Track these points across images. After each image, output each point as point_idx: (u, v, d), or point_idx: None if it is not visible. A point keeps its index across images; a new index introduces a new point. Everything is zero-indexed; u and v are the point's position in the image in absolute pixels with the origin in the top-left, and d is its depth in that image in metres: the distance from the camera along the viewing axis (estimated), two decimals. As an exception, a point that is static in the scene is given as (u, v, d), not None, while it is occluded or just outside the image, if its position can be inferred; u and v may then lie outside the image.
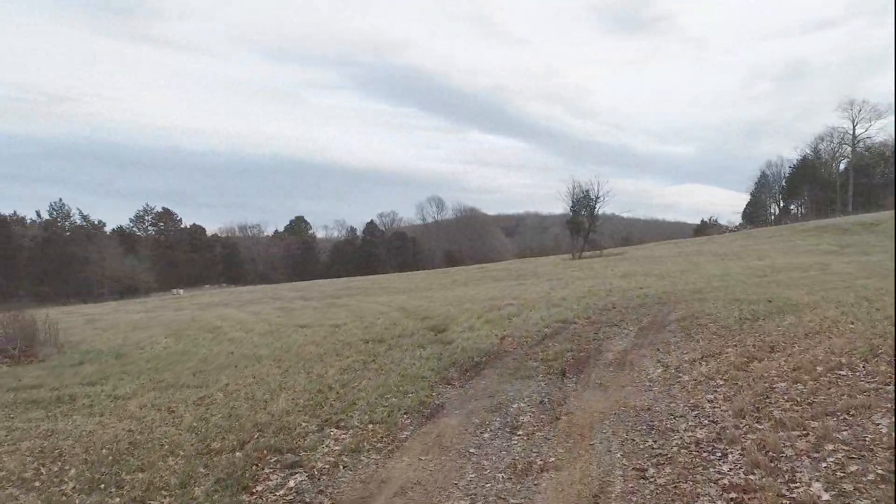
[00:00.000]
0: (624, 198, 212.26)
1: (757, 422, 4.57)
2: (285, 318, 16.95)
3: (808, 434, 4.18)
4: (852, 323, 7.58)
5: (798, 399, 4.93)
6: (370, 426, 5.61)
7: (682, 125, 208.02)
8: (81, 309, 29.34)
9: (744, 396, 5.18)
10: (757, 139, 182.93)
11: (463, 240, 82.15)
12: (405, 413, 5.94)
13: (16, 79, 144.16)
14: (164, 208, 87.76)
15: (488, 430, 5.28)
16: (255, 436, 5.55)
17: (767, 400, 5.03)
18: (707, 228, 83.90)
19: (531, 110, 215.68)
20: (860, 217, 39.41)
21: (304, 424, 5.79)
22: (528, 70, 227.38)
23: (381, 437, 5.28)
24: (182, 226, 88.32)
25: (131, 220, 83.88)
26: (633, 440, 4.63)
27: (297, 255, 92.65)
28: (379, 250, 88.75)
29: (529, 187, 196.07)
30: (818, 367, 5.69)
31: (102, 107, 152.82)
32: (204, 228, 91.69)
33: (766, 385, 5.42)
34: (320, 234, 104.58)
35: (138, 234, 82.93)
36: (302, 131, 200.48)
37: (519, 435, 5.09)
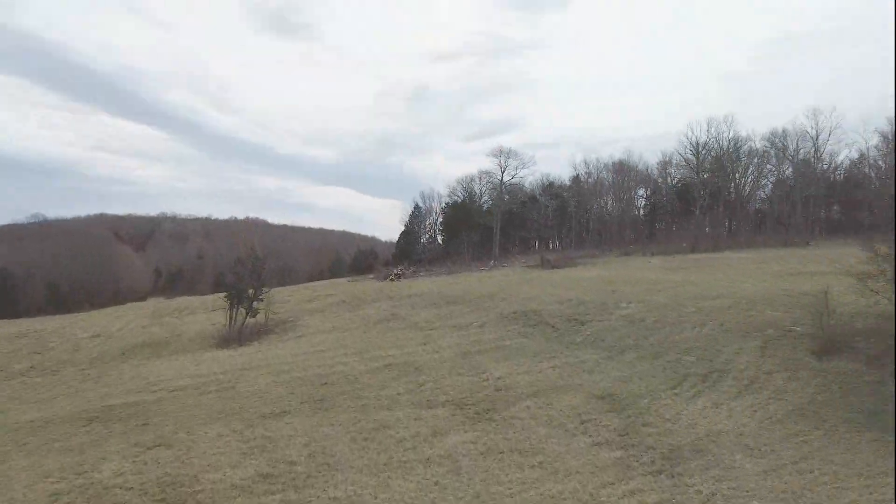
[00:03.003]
0: (263, 195, 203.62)
1: None
2: None
3: None
4: None
5: None
6: None
7: (326, 130, 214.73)
8: None
9: None
10: (390, 150, 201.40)
11: (78, 267, 53.32)
12: None
13: None
14: None
15: None
16: None
17: None
18: (368, 266, 70.88)
19: (171, 98, 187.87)
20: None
21: None
22: (169, 56, 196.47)
23: None
24: None
25: None
26: None
27: None
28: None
29: (168, 180, 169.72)
30: None
31: None
32: None
33: None
34: None
35: None
36: None
37: None
